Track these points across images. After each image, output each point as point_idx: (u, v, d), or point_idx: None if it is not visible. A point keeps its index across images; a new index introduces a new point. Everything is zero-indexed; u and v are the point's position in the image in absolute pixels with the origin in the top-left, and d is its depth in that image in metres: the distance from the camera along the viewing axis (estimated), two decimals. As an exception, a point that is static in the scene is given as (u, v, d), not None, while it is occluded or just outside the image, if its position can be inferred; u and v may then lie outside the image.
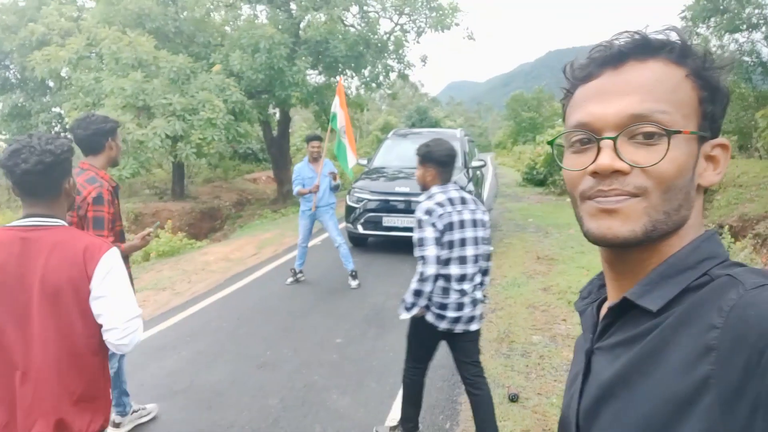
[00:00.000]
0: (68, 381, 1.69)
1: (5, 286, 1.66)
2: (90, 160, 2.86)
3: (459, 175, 8.03)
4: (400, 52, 15.82)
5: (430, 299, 2.80)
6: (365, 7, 15.29)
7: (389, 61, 15.94)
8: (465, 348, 2.96)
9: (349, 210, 7.99)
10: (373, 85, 16.00)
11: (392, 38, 15.62)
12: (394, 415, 3.42)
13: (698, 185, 0.68)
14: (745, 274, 0.60)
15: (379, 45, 15.20)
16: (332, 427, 3.40)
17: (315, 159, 6.26)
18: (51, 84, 15.79)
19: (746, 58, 13.37)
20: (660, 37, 0.67)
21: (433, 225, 2.69)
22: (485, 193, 14.79)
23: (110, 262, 1.73)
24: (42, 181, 1.68)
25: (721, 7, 12.41)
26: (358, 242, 8.37)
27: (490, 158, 34.48)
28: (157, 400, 3.71)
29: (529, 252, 8.05)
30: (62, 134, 15.06)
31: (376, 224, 7.76)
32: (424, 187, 2.90)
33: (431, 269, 2.68)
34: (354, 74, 15.74)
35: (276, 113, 16.76)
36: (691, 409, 0.55)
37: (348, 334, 4.93)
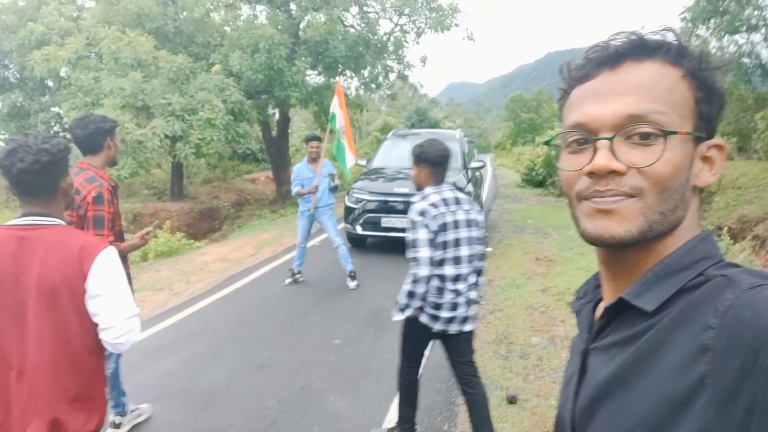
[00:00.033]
0: (63, 380, 1.68)
1: (1, 285, 1.65)
2: (89, 159, 2.86)
3: (458, 176, 8.03)
4: (400, 52, 15.81)
5: (424, 299, 2.80)
6: (365, 8, 15.27)
7: (389, 62, 15.92)
8: (459, 348, 2.97)
9: (348, 211, 7.98)
10: (373, 85, 15.98)
11: (392, 39, 15.61)
12: (392, 416, 3.41)
13: (694, 186, 0.68)
14: (740, 275, 0.60)
15: (379, 46, 15.19)
16: (330, 428, 3.39)
17: (314, 159, 6.25)
18: (50, 84, 15.79)
19: (746, 60, 13.38)
20: (656, 37, 0.67)
21: (427, 226, 2.69)
22: (484, 194, 14.78)
23: (106, 260, 1.73)
24: (38, 180, 1.68)
25: (721, 9, 12.41)
26: (356, 243, 8.36)
27: (490, 159, 34.45)
28: (154, 401, 3.70)
29: (528, 253, 8.04)
30: (61, 134, 15.12)
31: (375, 225, 7.74)
32: (419, 188, 2.90)
33: (424, 271, 2.68)
34: (353, 75, 15.73)
35: (275, 114, 16.74)
36: (687, 410, 0.55)
37: (346, 335, 4.92)
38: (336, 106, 6.58)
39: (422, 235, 2.69)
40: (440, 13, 14.85)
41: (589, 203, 0.67)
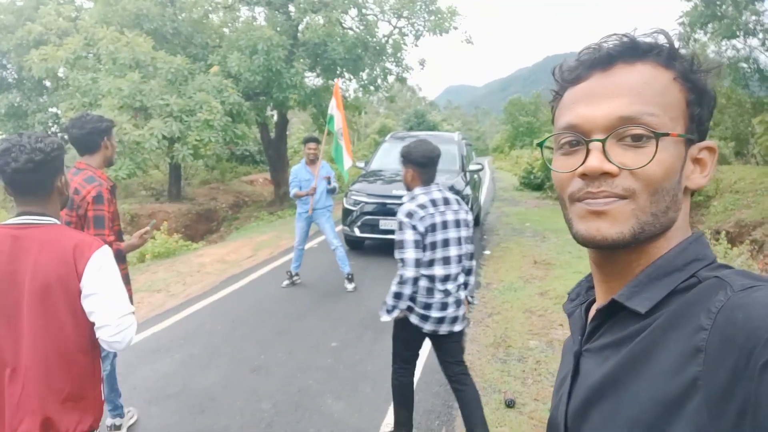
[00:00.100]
0: (56, 380, 1.69)
1: None
2: (86, 159, 2.87)
3: (456, 179, 8.02)
4: (399, 55, 15.82)
5: (414, 300, 2.81)
6: (364, 10, 15.28)
7: (387, 64, 15.93)
8: (450, 349, 2.98)
9: (346, 213, 7.96)
10: (371, 88, 15.99)
11: (390, 41, 15.63)
12: (389, 420, 3.39)
13: (685, 188, 0.68)
14: (732, 276, 0.60)
15: (378, 48, 15.20)
16: (326, 432, 3.37)
17: (312, 161, 6.23)
18: (48, 84, 15.75)
19: (743, 65, 13.42)
20: (648, 40, 0.68)
21: (414, 228, 2.70)
22: (482, 197, 14.78)
23: (101, 259, 1.73)
24: (33, 179, 1.69)
25: (719, 14, 12.46)
26: (354, 245, 8.34)
27: (488, 162, 34.51)
28: (149, 403, 3.67)
29: (526, 256, 8.03)
30: (58, 134, 15.07)
31: (373, 227, 7.72)
32: (408, 188, 2.91)
33: (410, 272, 2.70)
34: (352, 77, 15.74)
35: (273, 115, 16.74)
36: (680, 412, 0.55)
37: (343, 337, 4.90)
38: (334, 108, 6.57)
39: (409, 236, 2.70)
40: (439, 16, 14.86)
41: (582, 205, 0.67)
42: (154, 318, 5.48)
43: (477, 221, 10.43)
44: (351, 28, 15.34)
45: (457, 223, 2.82)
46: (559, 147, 0.71)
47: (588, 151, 0.66)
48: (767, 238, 8.05)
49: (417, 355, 3.07)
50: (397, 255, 2.74)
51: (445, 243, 2.77)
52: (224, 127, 11.38)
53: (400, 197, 7.53)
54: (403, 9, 14.91)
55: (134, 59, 11.13)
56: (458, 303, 2.88)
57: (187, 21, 13.96)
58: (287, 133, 18.40)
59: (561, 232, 9.61)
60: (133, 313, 1.81)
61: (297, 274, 6.59)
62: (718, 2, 12.46)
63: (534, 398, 3.72)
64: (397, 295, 2.73)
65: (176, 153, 10.94)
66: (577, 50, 0.74)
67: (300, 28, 14.30)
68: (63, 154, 1.76)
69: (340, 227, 7.94)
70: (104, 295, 1.71)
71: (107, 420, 3.22)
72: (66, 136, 2.90)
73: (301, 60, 13.32)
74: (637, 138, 0.64)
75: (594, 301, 0.79)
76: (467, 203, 7.76)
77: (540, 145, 0.77)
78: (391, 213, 7.60)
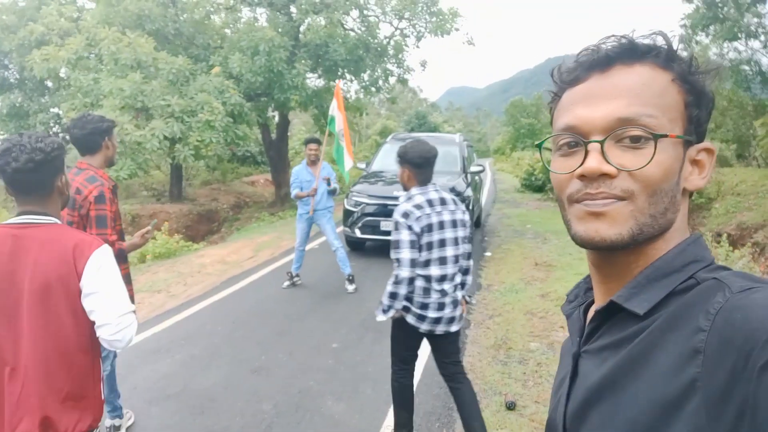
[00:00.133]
0: (56, 379, 1.69)
1: None
2: (87, 159, 2.89)
3: (457, 180, 8.01)
4: (400, 56, 15.84)
5: (410, 300, 2.82)
6: (365, 12, 15.30)
7: (389, 66, 15.95)
8: (446, 348, 3.00)
9: (347, 214, 7.96)
10: (373, 89, 16.00)
11: (392, 43, 15.64)
12: (389, 422, 3.38)
13: (684, 189, 0.68)
14: (731, 278, 0.60)
15: (379, 49, 15.21)
16: (327, 433, 3.36)
17: (313, 162, 6.23)
18: (49, 84, 15.78)
19: (745, 67, 13.42)
20: (646, 41, 0.68)
21: (410, 228, 2.71)
22: (483, 199, 14.78)
23: (100, 258, 1.74)
24: (33, 179, 1.69)
25: (721, 16, 12.45)
26: (355, 246, 8.34)
27: (489, 164, 34.52)
28: (149, 403, 3.67)
29: (527, 258, 8.02)
30: (60, 134, 15.08)
31: (374, 228, 7.72)
32: (405, 188, 2.92)
33: (405, 272, 2.70)
34: (353, 78, 15.76)
35: (275, 116, 16.75)
36: (678, 413, 0.55)
37: (344, 338, 4.89)
38: (335, 109, 6.57)
39: (405, 236, 2.71)
40: (440, 17, 14.87)
41: (580, 206, 0.67)
42: (155, 318, 5.48)
43: (478, 223, 10.42)
44: (352, 30, 15.36)
45: (454, 224, 2.82)
46: (558, 148, 0.72)
47: (586, 153, 0.66)
48: (769, 241, 8.03)
49: (416, 356, 3.07)
50: (392, 255, 2.76)
51: (442, 243, 2.78)
52: (225, 127, 11.38)
53: (400, 198, 7.53)
54: (404, 10, 14.92)
55: (136, 60, 11.14)
56: (455, 303, 2.89)
57: (189, 22, 13.98)
58: (288, 134, 18.41)
59: (562, 234, 9.60)
60: (134, 312, 1.82)
61: (298, 275, 6.59)
62: (719, 4, 12.46)
63: (535, 400, 3.71)
64: (393, 295, 2.75)
65: (177, 153, 10.94)
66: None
67: (301, 29, 14.31)
68: (63, 154, 1.77)
69: (341, 228, 7.94)
70: (104, 294, 1.71)
71: (106, 421, 3.22)
72: (67, 137, 2.91)
73: (303, 61, 13.33)
74: (635, 139, 0.64)
75: (592, 302, 0.79)
76: (468, 205, 7.76)
77: (539, 146, 0.77)
78: (392, 214, 7.60)
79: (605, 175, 0.64)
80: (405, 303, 2.82)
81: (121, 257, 2.84)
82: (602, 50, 0.69)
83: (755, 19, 12.42)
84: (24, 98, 15.99)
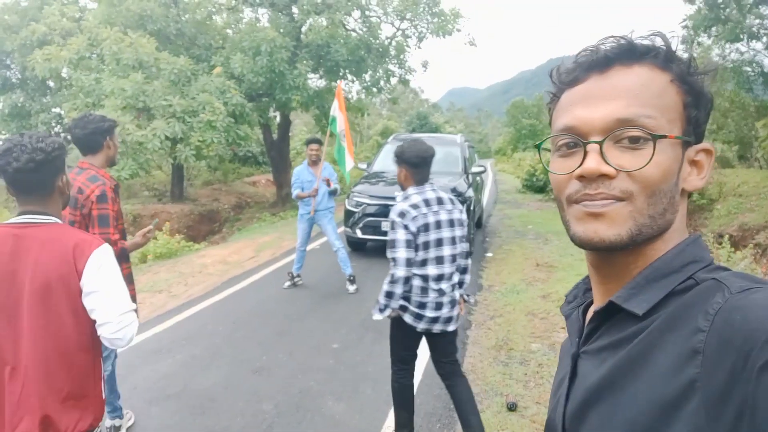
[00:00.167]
0: (56, 378, 1.69)
1: None
2: (89, 159, 2.90)
3: (459, 181, 8.01)
4: (402, 57, 15.84)
5: (408, 299, 2.83)
6: (367, 12, 15.31)
7: (390, 66, 15.95)
8: (444, 348, 3.01)
9: (348, 214, 7.95)
10: (374, 89, 16.01)
11: (393, 43, 15.64)
12: (390, 422, 3.37)
13: (682, 190, 0.69)
14: (730, 278, 0.60)
15: (381, 50, 15.22)
16: (327, 433, 3.36)
17: (314, 162, 6.23)
18: (51, 84, 15.79)
19: (747, 68, 13.40)
20: (645, 42, 0.68)
21: (406, 227, 2.72)
22: (485, 199, 14.77)
23: (101, 257, 1.74)
24: (34, 178, 1.70)
25: (723, 17, 12.44)
26: (356, 247, 8.33)
27: (490, 164, 34.50)
28: (149, 403, 3.67)
29: (528, 259, 8.01)
30: (61, 134, 15.10)
31: (375, 229, 7.71)
32: (402, 188, 2.93)
33: (401, 271, 2.72)
34: (355, 79, 15.76)
35: (276, 116, 16.77)
36: (677, 413, 0.55)
37: (345, 339, 4.89)
38: (336, 110, 6.57)
39: (401, 235, 2.72)
40: (442, 18, 14.88)
41: (580, 207, 0.67)
42: (156, 318, 5.48)
43: (479, 223, 10.41)
44: (354, 30, 15.37)
45: (451, 223, 2.82)
46: (557, 149, 0.72)
47: (585, 153, 0.66)
48: (771, 242, 8.01)
49: (415, 355, 3.07)
50: (388, 254, 2.78)
51: (439, 243, 2.79)
52: (227, 128, 11.39)
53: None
54: (406, 11, 14.93)
55: (137, 60, 11.15)
56: (453, 303, 2.90)
57: (191, 22, 13.99)
58: (290, 134, 18.43)
59: (563, 235, 9.55)
60: (135, 310, 1.82)
61: (299, 276, 6.59)
62: (721, 5, 12.44)
63: (536, 401, 3.70)
64: (389, 294, 2.76)
65: (179, 154, 10.95)
66: (579, 53, 0.73)
67: (303, 29, 14.32)
68: (64, 154, 1.77)
69: (342, 229, 7.94)
70: (105, 293, 1.71)
71: (106, 421, 3.22)
72: (69, 136, 2.92)
73: (304, 61, 13.33)
74: (634, 140, 0.64)
75: (591, 303, 0.79)
76: (470, 205, 7.75)
77: (538, 146, 0.77)
78: None
79: (604, 176, 0.64)
80: (403, 302, 2.83)
81: (123, 256, 2.84)
82: (601, 51, 0.69)
83: (757, 21, 12.41)
84: (26, 98, 16.02)
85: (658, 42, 0.68)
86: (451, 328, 2.92)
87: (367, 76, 15.62)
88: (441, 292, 2.82)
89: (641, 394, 0.59)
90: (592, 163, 0.64)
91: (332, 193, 6.36)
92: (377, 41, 15.11)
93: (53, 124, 16.03)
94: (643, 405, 0.59)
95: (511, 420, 3.48)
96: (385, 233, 7.59)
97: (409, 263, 2.73)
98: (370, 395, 3.85)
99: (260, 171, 23.28)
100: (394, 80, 16.30)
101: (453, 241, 2.83)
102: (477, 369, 4.20)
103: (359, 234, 7.85)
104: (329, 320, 5.37)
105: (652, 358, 0.60)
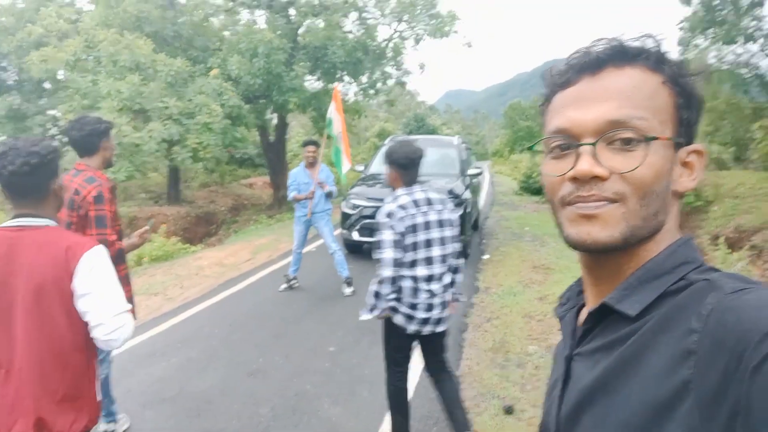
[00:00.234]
0: (51, 380, 1.69)
1: None
2: (85, 161, 2.90)
3: (456, 183, 8.00)
4: (399, 59, 15.87)
5: (399, 300, 2.82)
6: (364, 14, 15.33)
7: (387, 68, 15.98)
8: (433, 347, 3.03)
9: (345, 216, 7.94)
10: (371, 91, 16.03)
11: (391, 45, 15.66)
12: (386, 426, 3.37)
13: (674, 191, 0.69)
14: (722, 279, 0.60)
15: (378, 52, 15.24)
16: (323, 437, 3.35)
17: (311, 164, 6.22)
18: (47, 86, 15.76)
19: (743, 70, 13.45)
20: (636, 44, 0.68)
21: (392, 228, 2.72)
22: (482, 201, 14.78)
23: (93, 259, 1.74)
24: (29, 182, 1.71)
25: (719, 19, 12.49)
26: (353, 249, 8.32)
27: (487, 166, 34.52)
28: (144, 407, 3.65)
29: (525, 261, 8.01)
30: (58, 136, 15.06)
31: (372, 231, 7.69)
32: (392, 188, 2.94)
33: (388, 272, 2.72)
34: (352, 80, 15.77)
35: (273, 118, 16.76)
36: (671, 414, 0.55)
37: (341, 341, 4.88)
38: (333, 112, 6.56)
39: (387, 236, 2.72)
40: (439, 20, 14.92)
41: (572, 208, 0.67)
42: (151, 321, 5.46)
43: (476, 225, 10.41)
44: (351, 32, 15.38)
45: (440, 223, 2.82)
46: (550, 151, 0.72)
47: (578, 155, 0.66)
48: (767, 244, 8.03)
49: (408, 357, 3.06)
50: (376, 255, 2.78)
51: (428, 243, 2.78)
52: (224, 130, 11.40)
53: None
54: (403, 13, 14.97)
55: (134, 62, 11.14)
56: (444, 305, 2.90)
57: (188, 24, 13.99)
58: (287, 136, 18.41)
59: (560, 237, 9.58)
60: (130, 311, 1.82)
61: (295, 278, 6.57)
62: (718, 8, 12.49)
63: (533, 404, 3.69)
64: (376, 294, 2.78)
65: (175, 156, 10.95)
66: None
67: (300, 31, 14.33)
68: (59, 157, 1.78)
69: (338, 231, 7.93)
70: (98, 295, 1.71)
71: (101, 425, 3.20)
72: (65, 138, 2.91)
73: (301, 63, 13.34)
74: (626, 142, 0.64)
75: (585, 304, 0.79)
76: (466, 207, 7.75)
77: (531, 148, 0.77)
78: None
79: (597, 178, 0.65)
80: (394, 303, 2.82)
81: (121, 257, 2.84)
82: (593, 53, 0.69)
83: (753, 23, 12.47)
84: (22, 100, 15.97)
85: (650, 44, 0.68)
86: (440, 329, 2.92)
87: (364, 78, 15.64)
88: (432, 294, 2.82)
89: (635, 396, 0.59)
90: (585, 164, 0.65)
91: (329, 196, 6.34)
92: (374, 43, 15.14)
93: (49, 126, 15.99)
94: (636, 406, 0.59)
95: (507, 423, 3.47)
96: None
97: (397, 263, 2.73)
98: (366, 398, 3.84)
99: (257, 173, 23.25)
100: (391, 82, 16.34)
101: (443, 241, 2.82)
102: (474, 371, 4.20)
103: (356, 236, 7.83)
104: (326, 323, 5.36)
105: (645, 360, 0.60)
